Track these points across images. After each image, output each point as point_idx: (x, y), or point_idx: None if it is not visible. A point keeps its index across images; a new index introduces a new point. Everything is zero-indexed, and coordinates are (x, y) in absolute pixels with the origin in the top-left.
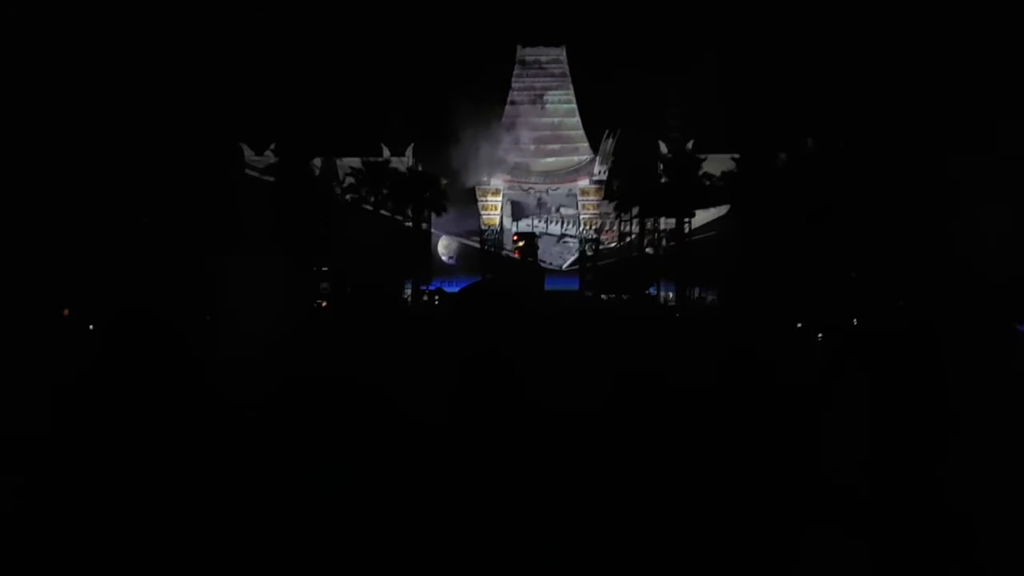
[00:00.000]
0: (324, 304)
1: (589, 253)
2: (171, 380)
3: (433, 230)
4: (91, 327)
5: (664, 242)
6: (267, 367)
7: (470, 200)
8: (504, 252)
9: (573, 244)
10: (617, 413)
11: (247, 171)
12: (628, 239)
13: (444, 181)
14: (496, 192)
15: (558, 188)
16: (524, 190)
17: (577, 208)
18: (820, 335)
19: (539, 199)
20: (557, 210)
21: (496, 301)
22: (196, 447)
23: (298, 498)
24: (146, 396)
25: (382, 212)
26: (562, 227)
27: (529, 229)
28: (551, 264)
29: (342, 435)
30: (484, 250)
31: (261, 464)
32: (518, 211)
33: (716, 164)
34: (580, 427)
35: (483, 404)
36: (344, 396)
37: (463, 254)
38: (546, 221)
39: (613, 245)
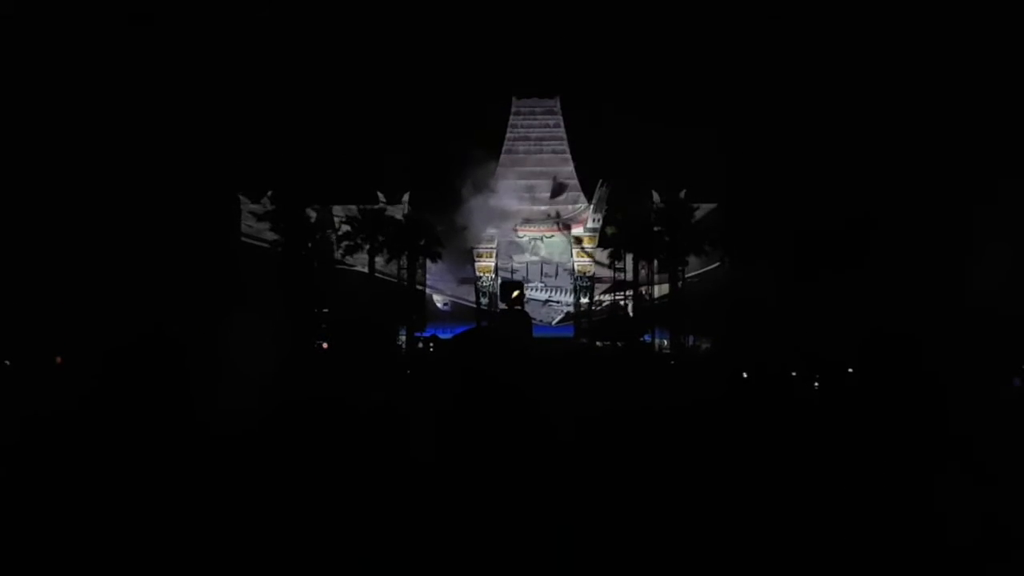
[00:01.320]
0: (325, 346)
1: (584, 300)
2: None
3: (428, 282)
4: (83, 375)
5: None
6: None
7: (465, 248)
8: (498, 308)
9: (558, 307)
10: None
11: (243, 237)
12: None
13: (439, 228)
14: (491, 240)
15: (552, 236)
16: (519, 238)
17: (572, 263)
18: (816, 383)
19: (524, 277)
20: (546, 275)
21: (492, 343)
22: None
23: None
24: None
25: (376, 265)
26: (548, 294)
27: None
28: (540, 321)
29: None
30: (480, 299)
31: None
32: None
33: (708, 213)
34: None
35: (481, 414)
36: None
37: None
38: (533, 288)
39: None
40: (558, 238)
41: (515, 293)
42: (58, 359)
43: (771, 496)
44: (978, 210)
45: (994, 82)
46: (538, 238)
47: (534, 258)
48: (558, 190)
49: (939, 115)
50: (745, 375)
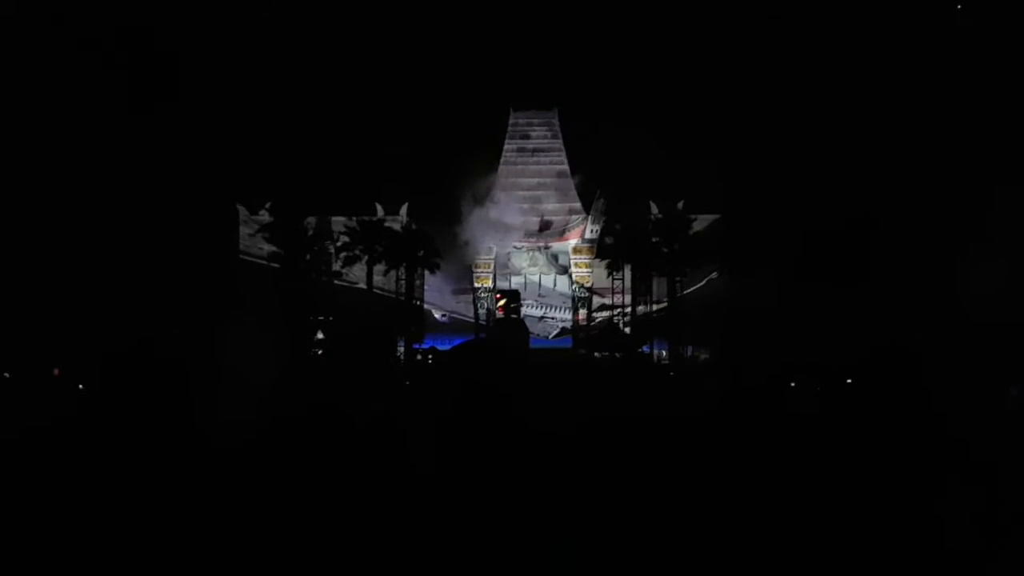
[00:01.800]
0: (321, 353)
1: (582, 311)
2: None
3: (426, 296)
4: (80, 387)
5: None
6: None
7: (465, 264)
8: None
9: (553, 323)
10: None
11: (241, 255)
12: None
13: (438, 240)
14: (488, 251)
15: (550, 247)
16: (518, 248)
17: (570, 275)
18: (816, 392)
19: (521, 295)
20: (541, 296)
21: (490, 353)
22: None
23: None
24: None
25: (375, 280)
26: (543, 311)
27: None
28: (537, 334)
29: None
30: (478, 312)
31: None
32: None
33: (705, 224)
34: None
35: (474, 420)
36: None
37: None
38: (528, 305)
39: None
40: (556, 250)
41: (502, 300)
42: (56, 371)
43: (766, 503)
44: (976, 217)
45: (994, 84)
46: (536, 249)
47: (532, 273)
48: (545, 225)
49: (938, 122)
50: (742, 385)
